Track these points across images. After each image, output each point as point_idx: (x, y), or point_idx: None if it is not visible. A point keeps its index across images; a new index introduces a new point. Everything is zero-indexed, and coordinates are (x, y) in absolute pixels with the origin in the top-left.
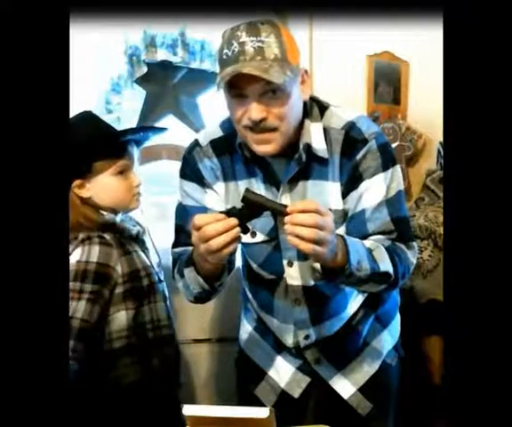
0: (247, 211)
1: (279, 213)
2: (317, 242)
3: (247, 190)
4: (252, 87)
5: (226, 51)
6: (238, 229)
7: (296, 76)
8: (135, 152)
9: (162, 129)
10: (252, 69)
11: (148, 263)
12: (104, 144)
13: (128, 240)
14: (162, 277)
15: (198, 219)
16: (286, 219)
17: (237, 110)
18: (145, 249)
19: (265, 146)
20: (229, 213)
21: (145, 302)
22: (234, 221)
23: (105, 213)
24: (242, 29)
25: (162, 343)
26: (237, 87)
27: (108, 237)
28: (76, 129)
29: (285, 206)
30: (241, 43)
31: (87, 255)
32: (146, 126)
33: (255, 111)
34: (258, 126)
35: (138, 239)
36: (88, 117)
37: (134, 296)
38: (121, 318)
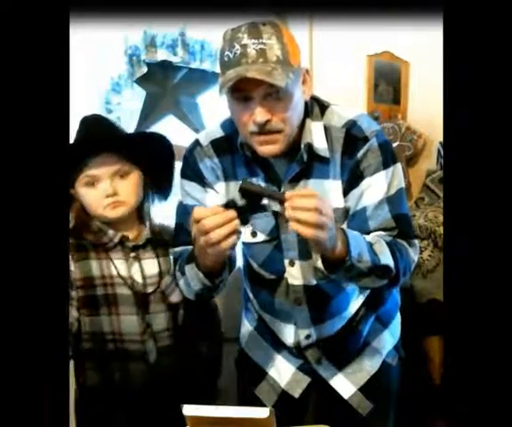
0: (245, 201)
1: (277, 200)
2: (318, 226)
3: (243, 181)
4: (255, 90)
5: (227, 53)
6: (237, 221)
7: (298, 77)
8: (118, 161)
9: (148, 135)
10: (255, 73)
11: (114, 273)
12: (74, 156)
13: (95, 247)
14: (150, 290)
15: (197, 212)
16: (286, 203)
17: (242, 114)
18: (129, 258)
19: (269, 146)
20: (228, 205)
21: (102, 312)
22: (232, 213)
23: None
24: (243, 31)
25: (126, 358)
26: (240, 90)
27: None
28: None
29: (283, 193)
30: (243, 45)
31: None
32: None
33: (259, 114)
34: (263, 129)
35: (120, 246)
36: (80, 125)
37: (87, 304)
38: (81, 322)
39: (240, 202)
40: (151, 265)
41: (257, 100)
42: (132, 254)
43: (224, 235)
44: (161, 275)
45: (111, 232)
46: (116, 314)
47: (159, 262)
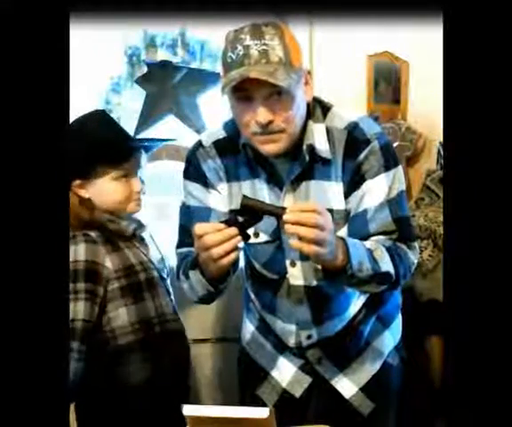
0: (247, 217)
1: (278, 215)
2: (318, 242)
3: (244, 197)
4: (257, 90)
5: (230, 54)
6: (238, 238)
7: (300, 77)
8: (141, 157)
9: (171, 140)
10: (258, 74)
11: (145, 259)
12: (109, 150)
13: (120, 238)
14: (164, 275)
15: (199, 228)
16: (285, 217)
17: (244, 115)
18: (143, 245)
19: (271, 145)
20: (230, 221)
21: (146, 296)
22: (233, 230)
23: (99, 213)
24: (246, 32)
25: (171, 338)
26: (243, 90)
27: (93, 234)
28: (84, 128)
29: (284, 209)
30: (245, 46)
31: (74, 255)
32: (155, 139)
33: (262, 115)
34: (265, 129)
35: (134, 236)
36: (98, 118)
37: (132, 291)
38: (122, 314)
39: (241, 218)
40: (156, 252)
41: (259, 100)
42: (145, 242)
43: (224, 252)
44: (163, 261)
45: (124, 223)
46: (157, 297)
47: (159, 250)
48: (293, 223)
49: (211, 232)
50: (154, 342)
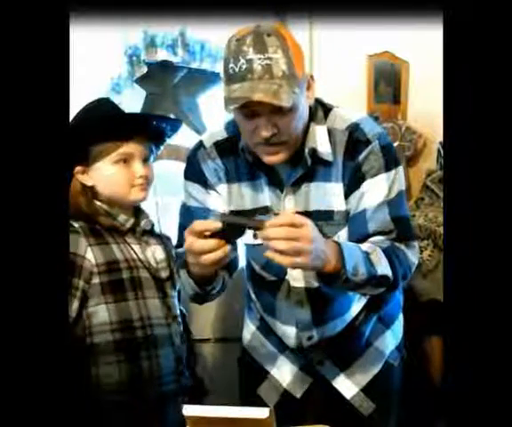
0: (229, 232)
1: (257, 229)
2: (295, 254)
3: (223, 215)
4: (261, 107)
5: (232, 65)
6: (227, 247)
7: (303, 86)
8: (146, 143)
9: (176, 121)
10: (262, 96)
11: (135, 257)
12: (103, 127)
13: (110, 231)
14: (164, 275)
15: (198, 224)
16: (259, 235)
17: (248, 127)
18: (141, 242)
19: (274, 157)
20: (218, 232)
21: (129, 296)
22: (219, 242)
23: (98, 203)
24: (248, 44)
25: (154, 344)
26: (247, 107)
27: (76, 224)
28: (82, 113)
29: (263, 222)
30: (248, 60)
31: None
32: (155, 115)
33: (265, 129)
34: (268, 141)
35: (133, 232)
36: (98, 102)
37: (113, 289)
38: (101, 311)
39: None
40: (159, 251)
41: (263, 116)
42: (144, 239)
43: (208, 262)
44: (169, 260)
45: (123, 217)
46: (142, 298)
47: (165, 249)
48: (267, 239)
49: (198, 237)
50: (133, 346)
